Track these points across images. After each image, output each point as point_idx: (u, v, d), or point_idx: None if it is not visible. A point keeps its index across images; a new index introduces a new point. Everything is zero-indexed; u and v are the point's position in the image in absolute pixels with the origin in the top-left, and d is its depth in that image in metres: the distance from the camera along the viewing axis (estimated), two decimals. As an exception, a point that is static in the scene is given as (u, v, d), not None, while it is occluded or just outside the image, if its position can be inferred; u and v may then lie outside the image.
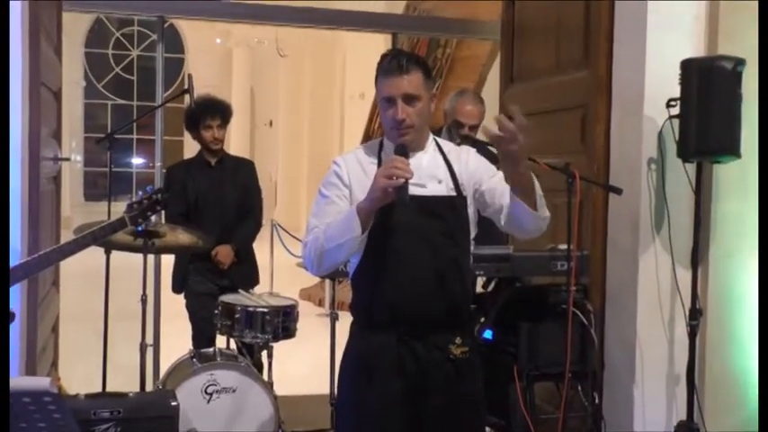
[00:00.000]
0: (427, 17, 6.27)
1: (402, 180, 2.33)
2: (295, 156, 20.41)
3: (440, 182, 2.58)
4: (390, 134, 2.56)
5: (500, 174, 2.57)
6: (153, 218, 3.15)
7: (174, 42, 24.95)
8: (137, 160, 24.13)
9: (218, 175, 4.80)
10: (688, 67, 3.71)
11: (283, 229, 10.63)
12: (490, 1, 5.91)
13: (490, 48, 7.53)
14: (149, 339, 4.15)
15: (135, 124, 21.67)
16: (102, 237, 2.97)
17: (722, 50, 3.87)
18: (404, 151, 2.47)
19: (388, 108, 2.51)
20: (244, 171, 4.93)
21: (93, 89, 24.19)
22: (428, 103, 2.57)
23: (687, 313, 3.84)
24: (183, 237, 4.14)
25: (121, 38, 24.39)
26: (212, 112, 4.70)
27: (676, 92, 3.75)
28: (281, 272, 10.31)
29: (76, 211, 19.34)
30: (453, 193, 2.58)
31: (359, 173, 2.57)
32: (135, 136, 23.52)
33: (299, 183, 20.24)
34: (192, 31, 24.01)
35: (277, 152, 21.67)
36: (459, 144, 4.07)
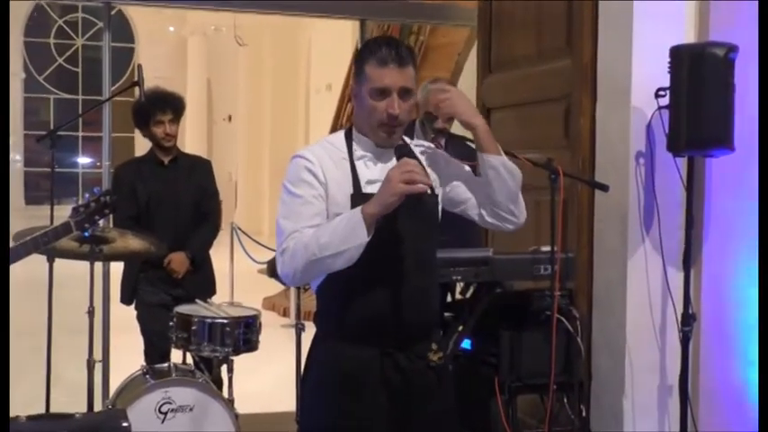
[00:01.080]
0: (399, 2, 6.25)
1: (424, 187, 2.35)
2: (256, 153, 20.31)
3: None
4: (375, 129, 2.53)
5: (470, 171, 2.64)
6: (101, 222, 3.12)
7: (123, 31, 24.74)
8: (83, 160, 23.94)
9: (171, 175, 4.78)
10: (678, 54, 3.73)
11: (244, 234, 10.59)
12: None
13: (467, 35, 7.52)
14: (98, 355, 4.12)
15: (80, 120, 21.54)
16: (46, 243, 2.95)
17: (714, 36, 3.91)
18: (409, 152, 2.48)
19: (379, 100, 2.49)
20: (200, 171, 4.91)
21: (34, 82, 23.93)
22: (415, 99, 2.60)
23: (679, 318, 3.87)
24: (133, 243, 4.11)
25: (64, 26, 24.18)
26: (163, 105, 4.68)
27: (666, 81, 3.78)
28: (241, 280, 10.29)
29: (16, 215, 19.01)
30: (428, 192, 2.59)
31: (332, 169, 2.53)
32: (81, 133, 23.34)
33: (261, 183, 20.15)
34: (143, 18, 23.82)
35: (237, 150, 21.58)
36: (433, 138, 4.09)
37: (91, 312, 4.04)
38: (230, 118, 22.72)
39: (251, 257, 9.71)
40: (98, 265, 4.03)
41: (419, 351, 2.58)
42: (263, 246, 9.93)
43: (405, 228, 2.52)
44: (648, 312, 4.01)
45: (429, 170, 2.59)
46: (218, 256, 10.99)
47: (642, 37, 3.96)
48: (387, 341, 2.53)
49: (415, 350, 2.57)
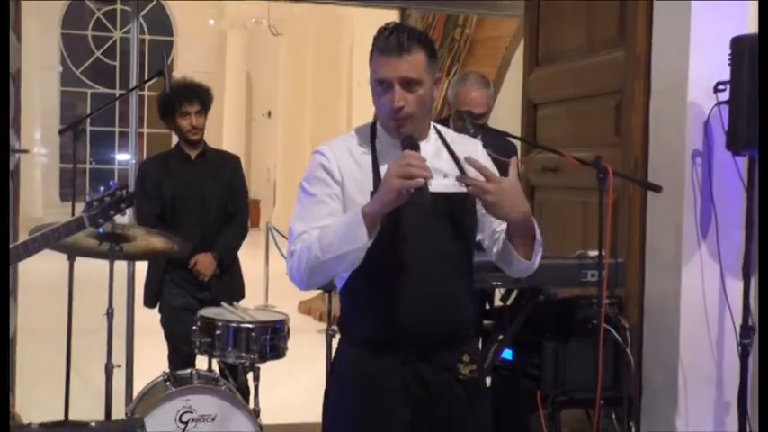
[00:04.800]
0: (442, -9, 6.18)
1: (421, 181, 2.25)
2: (296, 151, 20.32)
3: (445, 176, 2.49)
4: (386, 123, 2.47)
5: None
6: (117, 218, 3.07)
7: (162, 24, 25.05)
8: (120, 156, 24.23)
9: (198, 171, 4.75)
10: (739, 45, 3.65)
11: (280, 234, 10.58)
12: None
13: (515, 28, 7.47)
14: (119, 359, 4.10)
15: (117, 115, 21.80)
16: (57, 239, 2.92)
17: None
18: (413, 144, 2.39)
19: (382, 93, 2.42)
20: (228, 167, 4.89)
21: (71, 75, 24.25)
22: (431, 89, 2.48)
23: (738, 330, 3.80)
24: (156, 241, 4.10)
25: (102, 18, 24.45)
26: (189, 96, 4.66)
27: (725, 74, 3.71)
28: (277, 282, 10.27)
29: (51, 212, 19.41)
30: (462, 189, 2.49)
31: (350, 166, 2.47)
32: (117, 129, 23.60)
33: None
34: (182, 10, 24.08)
35: (276, 147, 21.68)
36: (473, 135, 4.02)
37: (110, 314, 4.02)
38: (270, 114, 22.88)
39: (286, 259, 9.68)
40: (121, 266, 3.99)
41: (445, 361, 2.51)
42: (299, 247, 9.86)
43: (431, 226, 2.44)
44: (704, 323, 3.95)
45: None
46: (254, 257, 11.03)
47: (700, 26, 3.90)
48: (410, 349, 2.46)
49: (440, 360, 2.50)
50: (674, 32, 3.99)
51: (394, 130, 2.45)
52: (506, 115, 5.93)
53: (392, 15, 6.33)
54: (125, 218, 3.41)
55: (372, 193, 2.40)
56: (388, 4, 6.24)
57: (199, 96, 4.70)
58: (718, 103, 3.81)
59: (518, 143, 4.46)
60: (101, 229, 3.09)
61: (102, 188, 3.04)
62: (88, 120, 23.34)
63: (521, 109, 5.33)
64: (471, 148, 2.62)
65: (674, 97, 3.98)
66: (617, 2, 4.36)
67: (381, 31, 2.45)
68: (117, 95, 22.85)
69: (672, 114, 4.01)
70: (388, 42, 2.40)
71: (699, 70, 3.88)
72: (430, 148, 2.53)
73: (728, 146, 3.73)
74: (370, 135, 2.53)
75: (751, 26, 3.90)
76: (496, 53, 8.21)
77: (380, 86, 2.42)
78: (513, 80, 5.51)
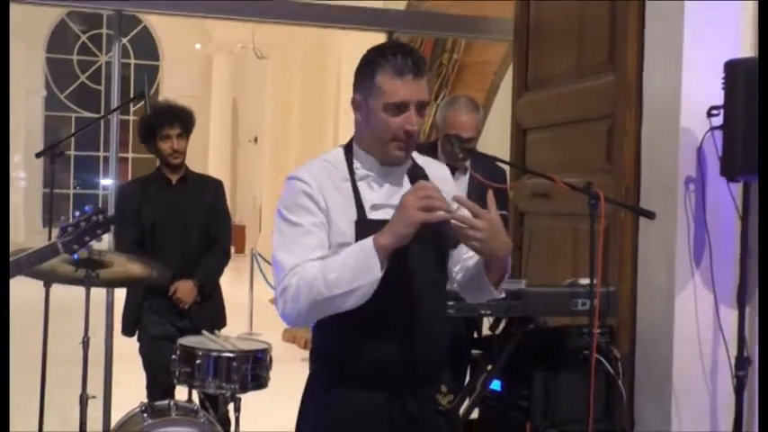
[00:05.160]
0: (429, 13, 6.14)
1: (445, 214, 2.20)
2: (282, 176, 19.99)
3: None
4: (386, 145, 2.37)
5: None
6: (93, 244, 2.99)
7: (148, 48, 25.07)
8: (104, 181, 24.13)
9: (179, 195, 4.70)
10: (733, 69, 3.64)
11: (265, 260, 10.51)
12: (501, 0, 5.84)
13: (504, 53, 7.48)
14: (96, 388, 4.00)
15: (102, 140, 21.66)
16: (30, 266, 2.85)
17: None
18: (422, 174, 2.33)
19: (395, 114, 2.34)
20: (210, 191, 4.83)
21: (55, 99, 24.22)
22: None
23: (733, 362, 3.77)
24: (133, 268, 4.04)
25: (87, 42, 24.45)
26: (170, 119, 4.61)
27: (719, 99, 3.69)
28: (262, 309, 10.21)
29: (33, 237, 19.22)
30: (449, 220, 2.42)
31: (333, 194, 2.37)
32: (101, 153, 23.51)
33: None
34: (168, 34, 24.12)
35: (262, 172, 21.71)
36: (461, 159, 3.96)
37: (85, 343, 3.94)
38: (256, 139, 22.95)
39: (271, 286, 9.58)
40: (101, 292, 3.92)
41: (428, 394, 2.47)
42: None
43: (415, 256, 2.36)
44: (698, 354, 3.92)
45: (446, 184, 2.47)
46: (238, 283, 10.89)
47: (693, 50, 3.89)
48: (397, 384, 2.38)
49: (423, 393, 2.44)
50: (666, 56, 3.98)
51: (395, 153, 2.37)
52: (495, 140, 5.89)
53: (379, 39, 6.29)
54: (103, 243, 3.32)
55: (357, 222, 2.33)
56: (376, 27, 6.21)
57: (180, 119, 4.65)
58: (712, 129, 3.79)
59: (507, 168, 4.41)
60: (75, 256, 2.99)
61: (77, 213, 2.96)
62: (72, 144, 23.33)
63: (510, 134, 5.31)
64: (442, 172, 2.57)
65: (667, 122, 3.96)
66: (607, 26, 4.34)
67: (386, 50, 2.38)
68: (100, 119, 23.04)
69: (664, 140, 3.98)
70: (405, 64, 2.33)
71: (691, 95, 3.86)
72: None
73: (723, 172, 3.71)
74: (344, 159, 2.44)
75: (744, 50, 3.90)
76: (485, 78, 8.22)
77: (394, 108, 2.33)
78: (502, 104, 5.48)
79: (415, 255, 2.35)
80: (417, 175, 2.31)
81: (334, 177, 2.38)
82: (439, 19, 6.34)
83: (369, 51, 2.41)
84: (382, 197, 2.38)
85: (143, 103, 4.50)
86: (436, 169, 2.55)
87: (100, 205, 4.36)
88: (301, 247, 2.30)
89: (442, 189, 2.33)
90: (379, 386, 2.36)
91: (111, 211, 4.89)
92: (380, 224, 2.26)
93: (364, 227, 2.30)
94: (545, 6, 5.02)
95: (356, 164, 2.42)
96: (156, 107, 4.65)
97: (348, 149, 2.45)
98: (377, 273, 2.20)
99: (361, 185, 2.39)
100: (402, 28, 6.18)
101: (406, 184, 2.36)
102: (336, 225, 2.33)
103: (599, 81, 4.39)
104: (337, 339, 2.39)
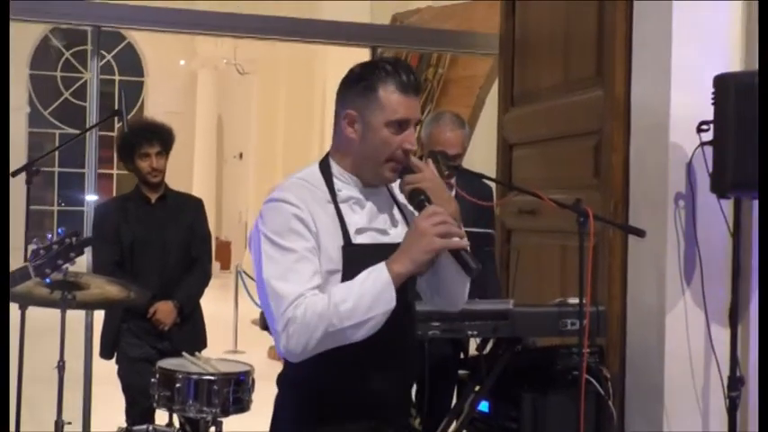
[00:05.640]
0: (414, 28, 6.12)
1: (466, 241, 2.14)
2: (268, 193, 20.28)
3: (395, 225, 2.38)
4: (380, 165, 2.30)
5: None
6: (66, 267, 2.92)
7: (133, 64, 25.06)
8: (90, 197, 24.01)
9: (158, 214, 4.64)
10: (723, 83, 3.60)
11: (250, 277, 10.42)
12: (487, 17, 5.82)
13: (489, 68, 7.47)
14: (73, 412, 3.92)
15: (86, 157, 21.63)
16: (-1, 289, 2.73)
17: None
18: (429, 198, 2.25)
19: (397, 132, 2.27)
20: (190, 210, 4.78)
21: (39, 116, 24.16)
22: None
23: (725, 382, 3.73)
24: (110, 290, 3.98)
25: (71, 58, 24.41)
26: (150, 137, 4.56)
27: (709, 114, 3.65)
28: (247, 327, 10.12)
29: (16, 255, 19.05)
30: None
31: (321, 215, 2.27)
32: (86, 170, 23.39)
33: None
34: (153, 50, 24.13)
35: (248, 189, 21.72)
36: (447, 176, 3.90)
37: (61, 367, 3.89)
38: (241, 155, 22.95)
39: (256, 303, 9.54)
40: (79, 314, 3.85)
41: (404, 421, 2.44)
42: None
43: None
44: (689, 374, 3.89)
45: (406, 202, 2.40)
46: (224, 300, 10.80)
47: (682, 64, 3.87)
48: (376, 414, 2.30)
49: (401, 420, 2.41)
50: (655, 70, 3.95)
51: (387, 175, 2.31)
52: (481, 156, 5.85)
53: (364, 54, 6.25)
54: (81, 265, 3.25)
55: (344, 248, 2.23)
56: (360, 42, 6.17)
57: (160, 137, 4.60)
58: (702, 144, 3.75)
59: (494, 185, 4.35)
60: (47, 279, 2.92)
61: (50, 235, 2.89)
62: (56, 160, 23.16)
63: (496, 150, 5.28)
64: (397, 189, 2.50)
65: (656, 137, 3.93)
66: (594, 39, 4.32)
67: (389, 65, 2.31)
68: (87, 136, 23.00)
69: (653, 155, 3.96)
70: (408, 82, 2.28)
71: (681, 109, 3.84)
72: (383, 194, 2.41)
73: (713, 188, 3.67)
74: (325, 179, 2.34)
75: (734, 64, 3.88)
76: (470, 93, 8.21)
77: (396, 126, 2.27)
78: (488, 120, 5.44)
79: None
80: (421, 200, 2.24)
81: (317, 198, 2.29)
82: (424, 34, 6.33)
83: (362, 66, 2.35)
84: (365, 220, 2.30)
85: (120, 121, 4.43)
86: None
87: (84, 221, 4.32)
88: (298, 274, 2.19)
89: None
90: (359, 417, 2.29)
91: (89, 229, 4.83)
92: (367, 249, 2.19)
93: (351, 252, 2.22)
94: (531, 20, 5.00)
95: (338, 185, 2.32)
96: (135, 125, 4.65)
97: (325, 168, 2.35)
98: (391, 302, 2.13)
99: (344, 208, 2.30)
100: (387, 43, 6.16)
101: (386, 207, 2.33)
102: (326, 250, 2.24)
103: (586, 95, 4.36)
104: (312, 367, 2.25)
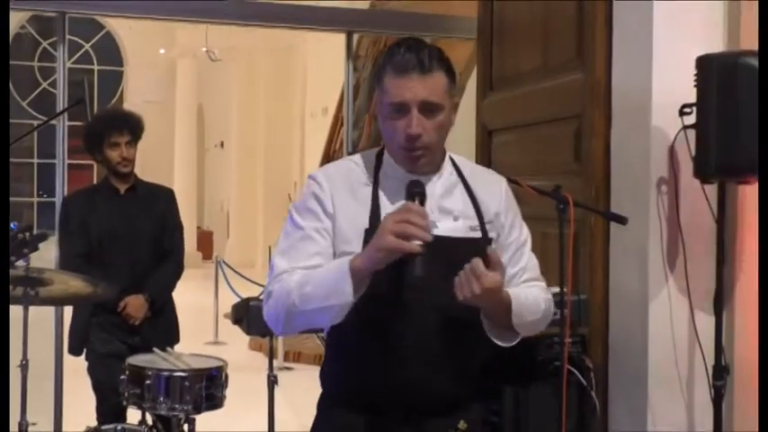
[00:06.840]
0: (390, 12, 6.03)
1: (417, 247, 1.99)
2: (249, 182, 20.43)
3: (456, 218, 2.26)
4: (396, 154, 2.22)
5: (521, 235, 2.47)
6: (19, 263, 2.82)
7: (112, 53, 24.97)
8: (59, 188, 23.97)
9: (128, 205, 4.59)
10: (706, 65, 3.54)
11: (230, 268, 10.40)
12: (466, 1, 5.74)
13: (469, 53, 7.39)
14: (40, 413, 3.79)
15: (66, 148, 21.48)
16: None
17: (745, 45, 3.72)
18: (421, 193, 2.12)
19: (396, 118, 2.17)
20: (161, 200, 4.73)
21: (17, 106, 24.05)
22: (450, 116, 2.25)
23: (710, 371, 3.68)
24: (76, 285, 3.89)
25: (49, 48, 24.29)
26: (119, 126, 4.50)
27: (692, 97, 3.59)
28: (227, 318, 10.04)
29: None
30: (476, 234, 2.27)
31: (345, 198, 2.22)
32: (56, 160, 23.29)
33: (255, 212, 20.30)
34: (132, 39, 24.07)
35: (229, 178, 21.78)
36: None
37: (24, 366, 3.78)
38: (222, 144, 22.93)
39: (237, 294, 9.52)
40: (48, 310, 3.76)
41: (437, 428, 2.27)
42: (250, 281, 9.82)
43: (435, 277, 2.12)
44: (674, 363, 3.84)
45: (499, 197, 2.38)
46: (205, 290, 10.74)
47: (664, 46, 3.81)
48: (396, 414, 2.23)
49: (433, 429, 2.26)
50: (636, 53, 3.90)
51: (405, 161, 2.21)
52: (460, 142, 5.77)
53: (340, 39, 6.17)
54: (46, 259, 3.15)
55: (367, 231, 2.15)
56: (336, 27, 6.08)
57: (129, 126, 4.54)
58: (684, 128, 3.69)
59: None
60: (-1, 275, 2.82)
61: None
62: (35, 152, 22.98)
63: (475, 136, 5.21)
64: (494, 184, 2.43)
65: (637, 121, 3.88)
66: (574, 22, 4.25)
67: (395, 47, 2.20)
68: (66, 127, 22.92)
69: (635, 140, 3.91)
70: (405, 60, 2.15)
71: (663, 92, 3.77)
72: (441, 184, 2.28)
73: (696, 173, 3.61)
74: (374, 163, 2.27)
75: (716, 45, 3.82)
76: (450, 78, 8.12)
77: (394, 111, 2.16)
78: (468, 106, 5.35)
79: (431, 279, 2.11)
80: (414, 192, 2.12)
81: (356, 182, 2.24)
82: (401, 18, 6.24)
83: (386, 51, 2.27)
84: None
85: (85, 109, 4.34)
86: (484, 180, 2.42)
87: (56, 213, 4.22)
88: (297, 251, 2.18)
89: (485, 202, 2.28)
90: (373, 411, 2.22)
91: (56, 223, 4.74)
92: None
93: (370, 237, 2.12)
94: (510, 3, 4.92)
95: (383, 170, 2.26)
96: (102, 114, 4.60)
97: (380, 154, 2.30)
98: (348, 296, 2.04)
99: (383, 194, 2.22)
100: (363, 27, 6.08)
101: (445, 199, 2.26)
102: (343, 233, 2.19)
103: (566, 79, 4.29)
104: (337, 357, 2.29)
